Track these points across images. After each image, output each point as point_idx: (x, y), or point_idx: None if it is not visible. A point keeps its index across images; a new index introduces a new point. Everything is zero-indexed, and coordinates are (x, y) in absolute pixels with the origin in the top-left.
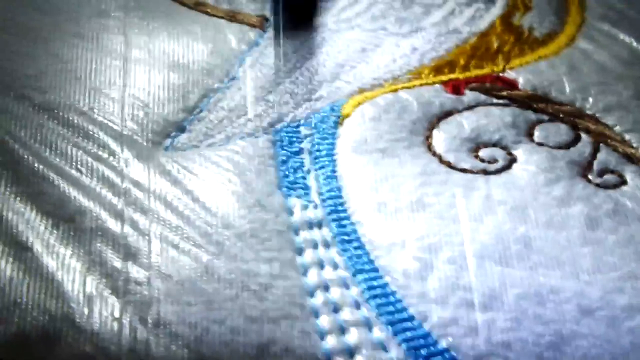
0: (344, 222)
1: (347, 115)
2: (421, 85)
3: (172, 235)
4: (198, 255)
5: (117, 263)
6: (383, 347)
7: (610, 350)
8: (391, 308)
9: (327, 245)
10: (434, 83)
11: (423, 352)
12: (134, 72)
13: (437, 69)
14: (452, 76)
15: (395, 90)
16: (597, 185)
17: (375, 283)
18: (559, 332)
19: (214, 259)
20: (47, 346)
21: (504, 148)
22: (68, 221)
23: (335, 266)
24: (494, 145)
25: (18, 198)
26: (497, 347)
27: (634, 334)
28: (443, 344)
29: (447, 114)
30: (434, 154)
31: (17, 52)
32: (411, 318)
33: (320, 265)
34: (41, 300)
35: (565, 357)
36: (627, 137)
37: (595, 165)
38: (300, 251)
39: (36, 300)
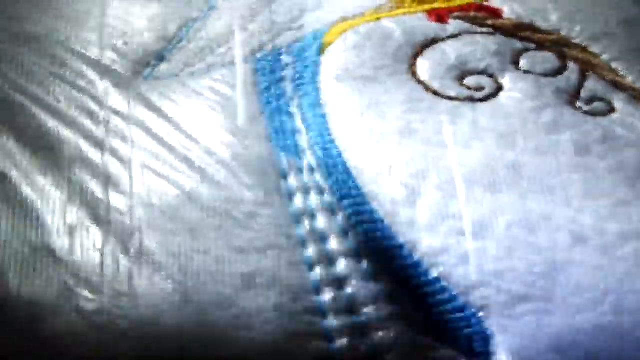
0: (329, 147)
1: (330, 44)
2: (404, 13)
3: (153, 163)
4: (180, 182)
5: (98, 192)
6: (373, 277)
7: (604, 278)
8: (379, 235)
9: (311, 170)
10: (417, 12)
11: (413, 281)
12: (112, 2)
13: None
14: (436, 5)
15: (378, 19)
16: (586, 112)
17: (362, 209)
18: (552, 261)
19: (197, 186)
20: (27, 278)
21: (490, 76)
22: (47, 150)
23: (321, 192)
24: (480, 73)
25: None
26: (489, 276)
27: (626, 261)
28: (434, 273)
29: (431, 42)
30: (419, 81)
31: None
32: (401, 246)
33: (306, 190)
34: (21, 231)
35: (558, 286)
36: (614, 65)
37: (583, 93)
38: (284, 176)
39: (16, 230)
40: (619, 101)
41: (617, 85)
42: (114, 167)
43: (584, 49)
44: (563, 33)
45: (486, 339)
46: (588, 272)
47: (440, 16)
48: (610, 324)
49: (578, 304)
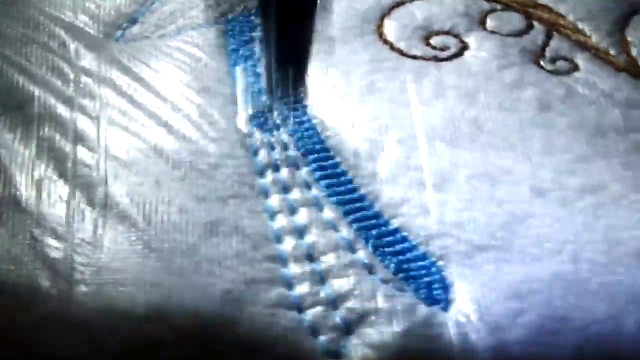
0: (295, 105)
1: None
2: None
3: (120, 118)
4: (147, 136)
5: (66, 147)
6: (333, 226)
7: (562, 229)
8: (342, 188)
9: (277, 127)
10: None
11: (374, 232)
12: None
13: None
14: None
15: None
16: (549, 71)
17: (325, 163)
18: (512, 212)
19: (163, 140)
20: None
21: (455, 36)
22: (16, 108)
23: (285, 147)
24: (446, 33)
25: None
26: (449, 226)
27: (585, 213)
28: (394, 223)
29: (399, 3)
30: (385, 41)
31: None
32: (362, 198)
33: (270, 146)
34: None
35: (517, 236)
36: (580, 25)
37: (548, 53)
38: (250, 134)
39: None
40: (582, 60)
41: (582, 45)
42: (83, 123)
43: (550, 10)
44: None
45: (446, 286)
46: (547, 224)
47: None
48: (568, 272)
49: (537, 253)
